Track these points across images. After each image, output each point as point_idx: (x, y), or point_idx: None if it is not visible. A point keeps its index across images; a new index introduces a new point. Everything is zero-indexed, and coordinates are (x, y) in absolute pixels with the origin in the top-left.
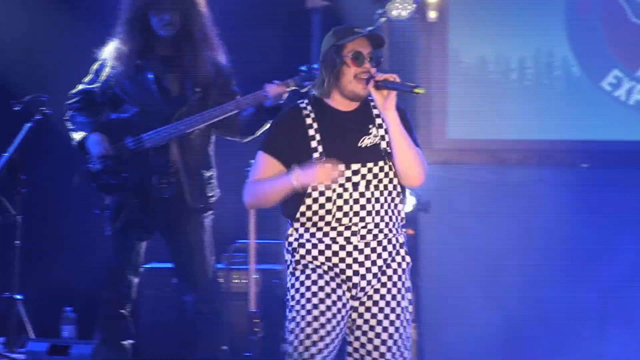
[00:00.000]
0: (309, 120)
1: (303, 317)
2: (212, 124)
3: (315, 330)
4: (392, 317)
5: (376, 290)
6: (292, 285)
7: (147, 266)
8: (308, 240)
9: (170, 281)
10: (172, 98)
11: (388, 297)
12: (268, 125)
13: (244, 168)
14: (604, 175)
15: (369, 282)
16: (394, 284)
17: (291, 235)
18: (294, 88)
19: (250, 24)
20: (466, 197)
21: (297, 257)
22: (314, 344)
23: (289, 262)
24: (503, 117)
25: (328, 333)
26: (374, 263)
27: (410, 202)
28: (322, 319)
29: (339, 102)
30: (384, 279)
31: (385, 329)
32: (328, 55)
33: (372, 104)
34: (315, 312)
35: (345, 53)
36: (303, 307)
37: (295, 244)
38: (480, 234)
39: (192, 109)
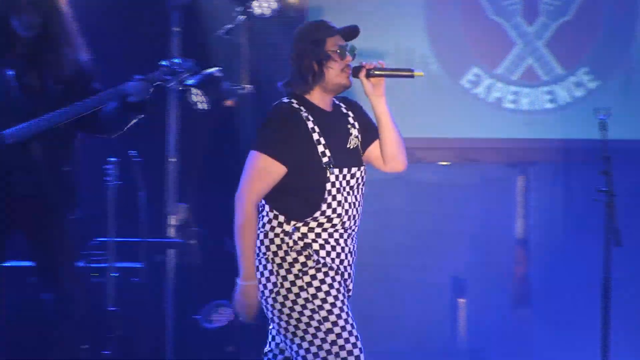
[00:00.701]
0: (310, 124)
1: (326, 318)
2: (75, 121)
3: (344, 329)
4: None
5: (347, 290)
6: (301, 288)
7: (5, 264)
8: (314, 241)
9: (29, 280)
10: (33, 94)
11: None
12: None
13: (100, 166)
14: (464, 172)
15: (352, 282)
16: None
17: (292, 234)
18: (157, 83)
19: (111, 21)
20: None
21: (303, 258)
22: (347, 341)
23: (291, 261)
24: None
25: (353, 327)
26: (352, 266)
27: None
28: (346, 317)
29: (320, 100)
30: (351, 281)
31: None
32: (309, 52)
33: (337, 102)
34: (337, 310)
35: (329, 47)
36: (322, 307)
37: (301, 243)
38: None
39: (53, 106)
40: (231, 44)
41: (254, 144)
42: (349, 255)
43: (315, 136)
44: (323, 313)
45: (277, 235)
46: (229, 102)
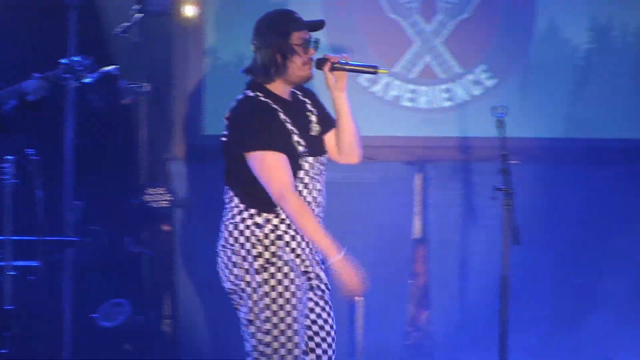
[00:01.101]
0: (281, 115)
1: (289, 313)
2: None
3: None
4: (326, 297)
5: (318, 276)
6: (278, 281)
7: None
8: (286, 232)
9: None
10: None
11: (325, 280)
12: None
13: None
14: (362, 170)
15: (319, 269)
16: (322, 269)
17: (261, 226)
18: (56, 81)
19: (7, 19)
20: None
21: (274, 248)
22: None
23: (256, 255)
24: None
25: (300, 330)
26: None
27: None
28: (312, 315)
29: (282, 91)
30: (319, 267)
31: (323, 310)
32: (274, 43)
33: (292, 89)
34: (301, 307)
35: (294, 41)
36: (288, 301)
37: (272, 236)
38: None
39: None
40: (128, 42)
41: (249, 145)
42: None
43: (289, 126)
44: (281, 309)
45: (247, 227)
46: (126, 100)
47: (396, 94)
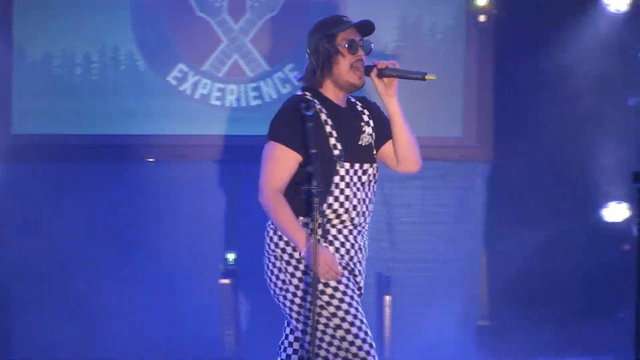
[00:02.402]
0: (323, 116)
1: (359, 328)
2: None
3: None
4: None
5: (358, 287)
6: (327, 284)
7: None
8: (323, 237)
9: None
10: None
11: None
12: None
13: None
14: (172, 169)
15: (362, 279)
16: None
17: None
18: None
19: None
20: (41, 194)
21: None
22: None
23: (287, 259)
24: (67, 113)
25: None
26: (362, 263)
27: None
28: (358, 321)
29: (334, 95)
30: (362, 277)
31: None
32: (320, 45)
33: (352, 100)
34: (357, 316)
35: (339, 42)
36: (344, 310)
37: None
38: (57, 231)
39: None
40: None
41: (269, 134)
42: (359, 252)
43: (328, 129)
44: (331, 309)
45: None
46: None
47: (205, 93)
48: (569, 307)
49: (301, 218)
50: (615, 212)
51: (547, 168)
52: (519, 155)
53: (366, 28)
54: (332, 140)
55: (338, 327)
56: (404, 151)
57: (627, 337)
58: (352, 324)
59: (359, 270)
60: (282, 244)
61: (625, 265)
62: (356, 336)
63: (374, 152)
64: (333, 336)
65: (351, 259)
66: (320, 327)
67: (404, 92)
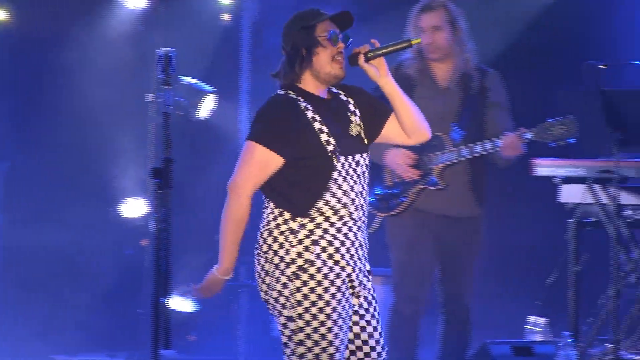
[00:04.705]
0: (310, 113)
1: (337, 335)
2: None
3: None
4: (372, 310)
5: (364, 286)
6: (313, 290)
7: None
8: (322, 237)
9: None
10: None
11: (372, 291)
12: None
13: None
14: None
15: (361, 275)
16: (368, 279)
17: (295, 232)
18: None
19: None
20: None
21: (308, 255)
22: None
23: (290, 261)
24: None
25: (342, 341)
26: (366, 259)
27: None
28: (336, 329)
29: (315, 89)
30: (364, 274)
31: (369, 323)
32: (298, 38)
33: (335, 90)
34: (336, 327)
35: (319, 33)
36: (329, 317)
37: (307, 242)
38: None
39: None
40: None
41: (249, 134)
42: (359, 248)
43: (317, 125)
44: (314, 319)
45: (282, 233)
46: None
47: None
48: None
49: (299, 219)
50: (134, 208)
51: (65, 164)
52: (39, 152)
53: (344, 20)
54: (324, 136)
55: (315, 330)
56: (412, 123)
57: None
58: (330, 329)
59: (360, 268)
60: (275, 246)
61: (143, 260)
62: (337, 349)
63: (365, 141)
64: (306, 342)
65: (352, 257)
66: (302, 334)
67: None
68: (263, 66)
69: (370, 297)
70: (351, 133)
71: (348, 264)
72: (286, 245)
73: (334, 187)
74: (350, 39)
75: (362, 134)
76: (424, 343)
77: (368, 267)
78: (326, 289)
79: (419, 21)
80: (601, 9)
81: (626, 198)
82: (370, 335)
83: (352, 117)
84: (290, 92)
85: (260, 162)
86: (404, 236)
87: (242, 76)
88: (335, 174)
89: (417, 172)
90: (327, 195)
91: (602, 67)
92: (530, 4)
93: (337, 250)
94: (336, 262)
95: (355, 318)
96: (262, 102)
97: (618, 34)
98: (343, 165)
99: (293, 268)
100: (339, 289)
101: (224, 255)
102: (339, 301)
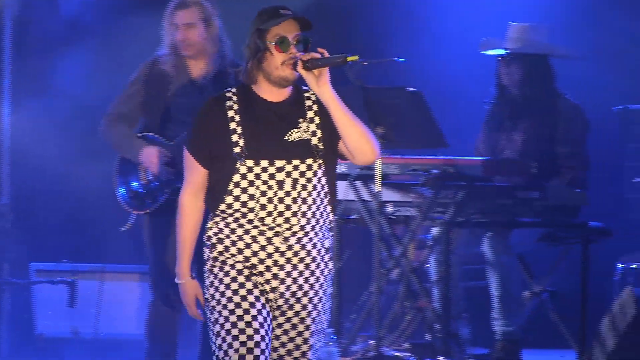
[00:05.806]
0: (230, 113)
1: (227, 318)
2: None
3: (242, 330)
4: (313, 328)
5: (298, 299)
6: (212, 284)
7: None
8: (228, 236)
9: None
10: None
11: (310, 307)
12: None
13: None
14: None
15: (287, 287)
16: (316, 293)
17: (210, 229)
18: None
19: None
20: None
21: (215, 253)
22: (243, 344)
23: (206, 258)
24: None
25: (256, 330)
26: (294, 267)
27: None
28: (248, 317)
29: (266, 91)
30: (306, 286)
31: (305, 341)
32: (252, 40)
33: (306, 94)
34: (239, 311)
35: (269, 38)
36: (225, 307)
37: (214, 239)
38: None
39: None
40: None
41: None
42: (274, 254)
43: (232, 125)
44: (211, 314)
45: (209, 229)
46: None
47: None
48: None
49: (214, 217)
50: None
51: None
52: None
53: (305, 22)
54: (235, 137)
55: (217, 334)
56: (352, 142)
57: None
58: (228, 332)
59: (274, 274)
60: (207, 250)
61: None
62: (235, 338)
63: (312, 149)
64: (217, 334)
65: (261, 261)
66: (210, 327)
67: None
68: (29, 64)
69: (304, 313)
70: (287, 138)
71: (254, 267)
72: (205, 238)
73: (235, 191)
74: (310, 42)
75: (313, 142)
76: (183, 340)
77: (307, 274)
78: (216, 288)
79: (174, 18)
80: (361, 6)
81: (388, 195)
82: (298, 349)
83: (303, 124)
84: (230, 91)
85: (188, 167)
86: (160, 236)
87: (5, 71)
88: (237, 177)
89: (172, 170)
90: (229, 199)
91: (364, 63)
92: (293, 3)
93: (239, 251)
94: (240, 262)
95: (278, 332)
96: (26, 98)
97: (376, 32)
98: (250, 169)
99: (208, 265)
100: (233, 291)
101: (177, 258)
102: (225, 298)
